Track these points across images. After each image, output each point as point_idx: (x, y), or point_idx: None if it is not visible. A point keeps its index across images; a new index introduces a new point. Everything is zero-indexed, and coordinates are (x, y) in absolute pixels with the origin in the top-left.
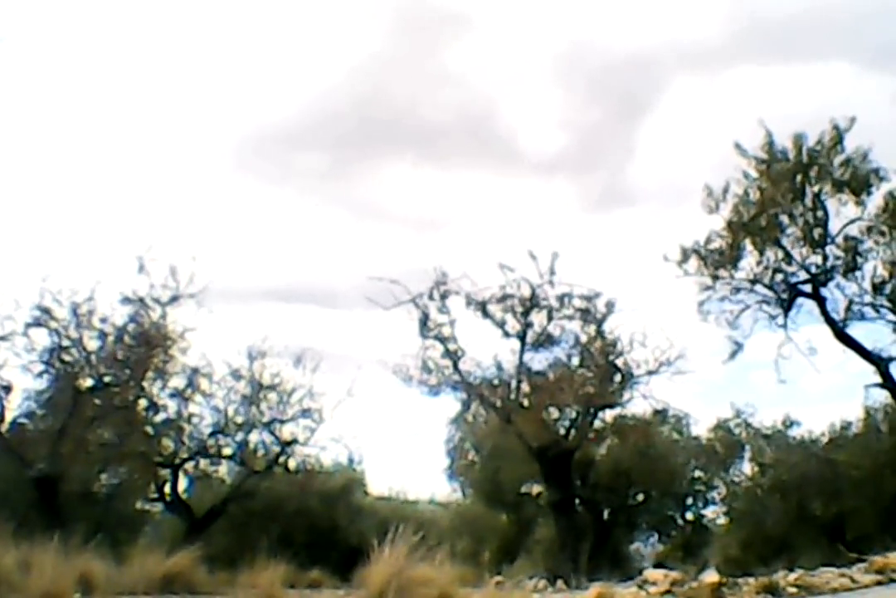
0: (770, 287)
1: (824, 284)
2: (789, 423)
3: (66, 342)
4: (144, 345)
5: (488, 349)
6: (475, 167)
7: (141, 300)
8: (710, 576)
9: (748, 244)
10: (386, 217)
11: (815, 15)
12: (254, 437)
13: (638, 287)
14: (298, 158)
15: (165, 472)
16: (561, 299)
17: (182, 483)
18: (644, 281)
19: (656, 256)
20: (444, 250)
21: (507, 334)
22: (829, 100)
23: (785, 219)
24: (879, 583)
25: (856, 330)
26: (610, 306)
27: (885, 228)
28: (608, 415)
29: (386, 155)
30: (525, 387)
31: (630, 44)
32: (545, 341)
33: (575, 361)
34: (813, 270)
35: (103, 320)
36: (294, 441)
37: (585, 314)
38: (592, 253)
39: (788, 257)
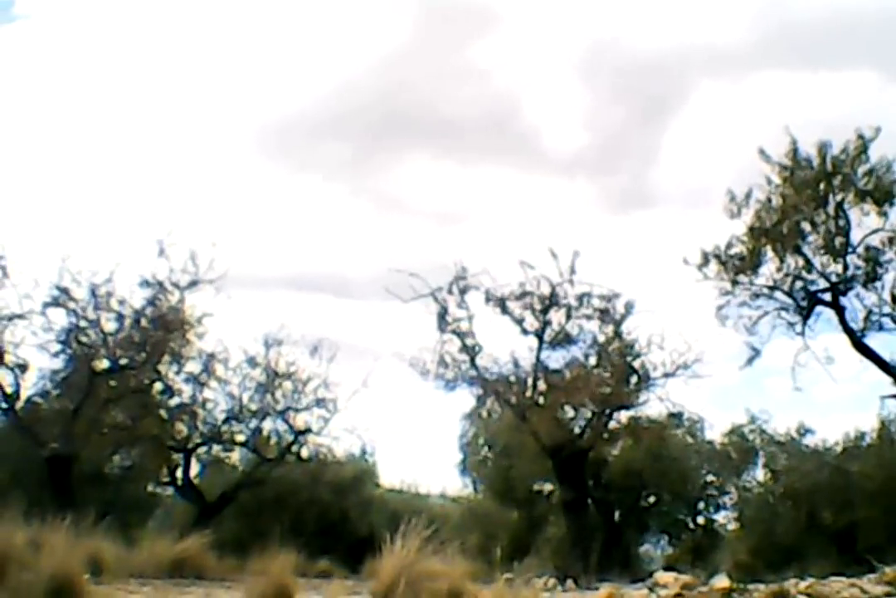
0: (789, 294)
1: (844, 294)
2: (803, 431)
3: (83, 323)
4: (162, 329)
5: (506, 346)
6: (497, 163)
7: (160, 284)
8: (721, 581)
9: (769, 251)
10: (406, 210)
11: (843, 22)
12: (267, 425)
13: (657, 290)
14: (321, 147)
15: (178, 456)
16: (580, 298)
17: (194, 468)
18: (663, 284)
19: (676, 259)
20: (463, 245)
21: (524, 332)
22: (854, 108)
23: (807, 226)
24: (889, 595)
25: (874, 340)
26: (629, 306)
27: None
28: (623, 416)
29: (408, 148)
30: (541, 385)
31: (656, 45)
32: (563, 339)
33: (592, 360)
34: (833, 278)
35: (121, 303)
36: (307, 430)
37: (604, 314)
38: (612, 254)
39: (809, 265)
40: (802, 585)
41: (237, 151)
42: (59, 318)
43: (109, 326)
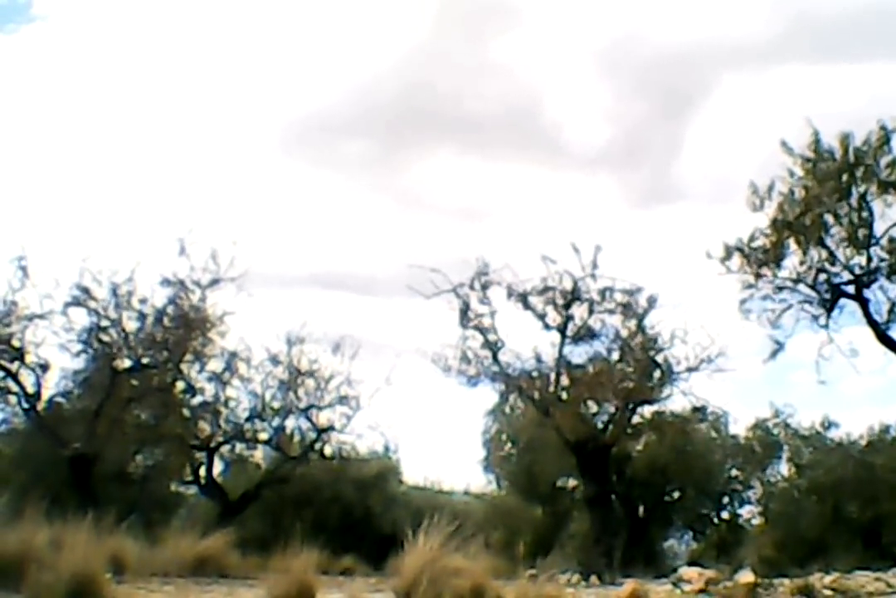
0: (813, 287)
1: (868, 286)
2: (828, 424)
3: (104, 323)
4: (183, 327)
5: (528, 341)
6: (519, 159)
7: (181, 283)
8: (746, 576)
9: (792, 243)
10: (429, 206)
11: (861, 14)
12: (290, 422)
13: (681, 284)
14: (344, 145)
15: (201, 455)
16: (602, 292)
17: (217, 467)
18: (687, 278)
19: (700, 252)
20: (486, 241)
21: (547, 327)
22: (874, 99)
23: (830, 219)
24: None
25: None
26: (651, 301)
27: None
28: (647, 411)
29: (431, 144)
30: (564, 380)
31: (677, 39)
32: (585, 334)
33: (615, 355)
34: (857, 271)
35: (143, 302)
36: (330, 428)
37: (627, 309)
38: (636, 248)
39: (832, 258)
40: (827, 579)
41: (260, 148)
42: (81, 317)
43: (131, 325)
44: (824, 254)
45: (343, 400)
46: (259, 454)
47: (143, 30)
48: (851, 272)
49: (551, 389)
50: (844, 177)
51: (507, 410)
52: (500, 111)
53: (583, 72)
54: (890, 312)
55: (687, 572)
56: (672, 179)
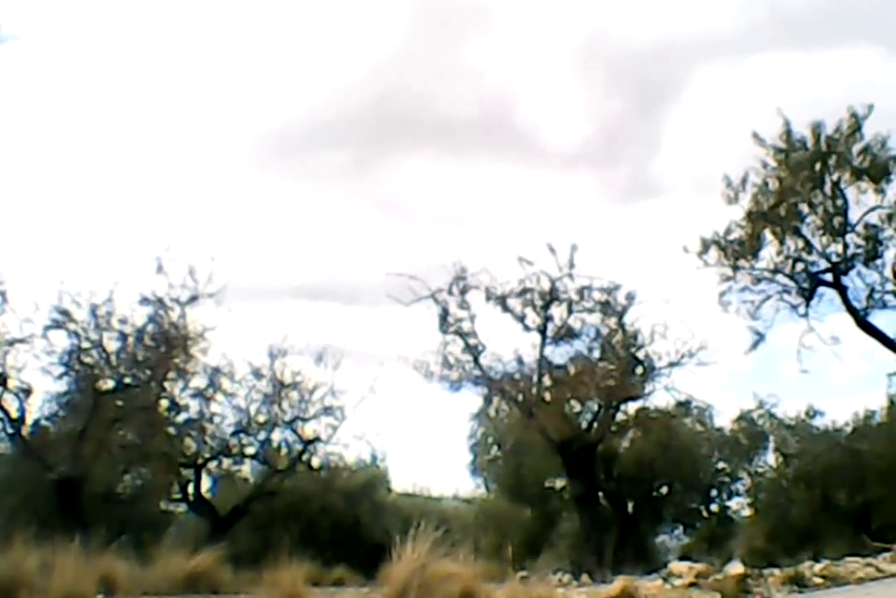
0: (791, 277)
1: (845, 273)
2: (813, 413)
3: (85, 344)
4: (164, 345)
5: (509, 344)
6: (496, 161)
7: (160, 301)
8: (736, 568)
9: (768, 234)
10: (407, 212)
11: (835, 1)
12: (276, 436)
13: (661, 279)
14: (319, 154)
15: (188, 472)
16: (581, 291)
17: (205, 483)
18: (669, 273)
19: (679, 247)
20: (468, 245)
21: (527, 328)
22: (853, 86)
23: (804, 208)
24: None
25: (878, 318)
26: (630, 298)
27: None
28: (630, 408)
29: (406, 150)
30: (546, 381)
31: (649, 34)
32: (566, 334)
33: (596, 354)
34: (833, 258)
35: (123, 321)
36: (316, 439)
37: (606, 307)
38: (616, 246)
39: (809, 246)
40: (818, 567)
41: (234, 160)
42: (61, 340)
43: (112, 345)
44: (801, 243)
45: (328, 411)
46: (246, 469)
47: (114, 46)
48: (828, 260)
49: (534, 390)
50: (817, 166)
51: (492, 413)
52: (475, 113)
53: (556, 70)
54: (869, 298)
55: (677, 566)
56: (651, 175)
